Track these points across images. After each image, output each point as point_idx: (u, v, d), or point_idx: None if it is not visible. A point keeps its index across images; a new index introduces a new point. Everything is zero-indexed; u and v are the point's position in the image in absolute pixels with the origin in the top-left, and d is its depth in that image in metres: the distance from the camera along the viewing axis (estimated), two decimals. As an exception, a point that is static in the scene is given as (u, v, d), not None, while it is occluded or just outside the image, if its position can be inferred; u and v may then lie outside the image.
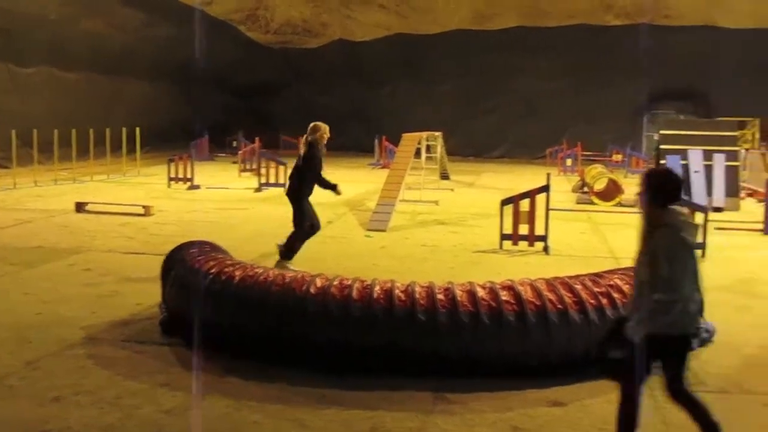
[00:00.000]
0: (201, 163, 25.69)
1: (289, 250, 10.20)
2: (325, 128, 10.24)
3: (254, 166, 23.85)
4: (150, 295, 8.37)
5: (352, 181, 22.27)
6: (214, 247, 8.04)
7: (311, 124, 10.21)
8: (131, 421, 5.36)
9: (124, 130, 23.85)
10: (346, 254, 11.56)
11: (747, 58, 32.34)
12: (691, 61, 32.34)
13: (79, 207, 15.66)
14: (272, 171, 20.53)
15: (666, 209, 4.62)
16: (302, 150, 10.33)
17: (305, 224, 10.17)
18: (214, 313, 6.66)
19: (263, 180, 20.55)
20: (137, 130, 24.22)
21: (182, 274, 7.25)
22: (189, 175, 20.72)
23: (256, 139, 25.37)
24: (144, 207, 15.40)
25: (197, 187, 20.45)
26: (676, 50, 32.81)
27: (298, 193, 10.16)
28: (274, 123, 36.57)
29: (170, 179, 20.70)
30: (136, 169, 24.34)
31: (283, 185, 19.62)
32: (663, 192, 4.65)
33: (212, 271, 6.99)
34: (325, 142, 10.32)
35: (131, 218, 14.77)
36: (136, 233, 13.11)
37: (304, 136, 10.26)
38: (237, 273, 6.87)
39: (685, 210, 4.88)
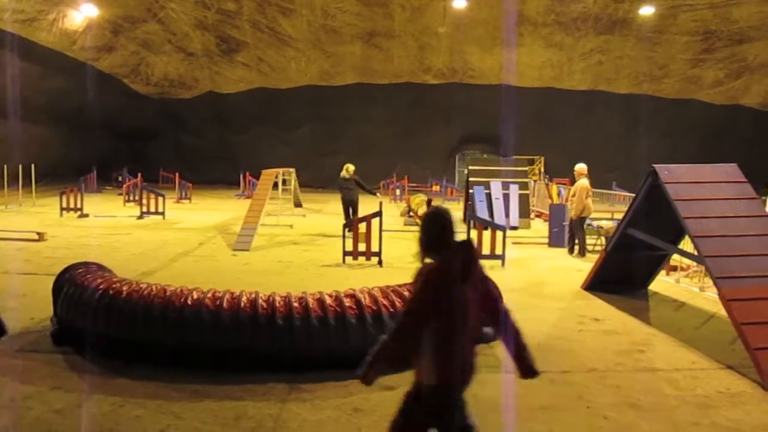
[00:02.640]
0: (90, 195, 24.61)
1: None
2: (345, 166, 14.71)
3: (137, 198, 22.98)
4: (43, 310, 7.96)
5: (220, 210, 21.88)
6: (100, 267, 7.71)
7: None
8: (24, 421, 5.08)
9: (20, 166, 22.68)
10: (216, 270, 11.27)
11: (533, 109, 33.55)
12: (491, 111, 33.19)
13: (-22, 234, 14.59)
14: (152, 201, 19.81)
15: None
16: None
17: None
18: (104, 324, 6.42)
19: (144, 209, 19.80)
20: (32, 166, 22.94)
21: (73, 290, 6.91)
22: (79, 205, 19.70)
23: (139, 174, 24.66)
24: (38, 233, 14.51)
25: (86, 215, 19.46)
26: (479, 103, 33.76)
27: None
28: (153, 161, 35.45)
29: (62, 209, 19.62)
30: (31, 201, 22.96)
31: (162, 213, 19.26)
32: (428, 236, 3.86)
33: (101, 287, 6.71)
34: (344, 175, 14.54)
35: (27, 243, 13.86)
36: (31, 256, 12.33)
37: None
38: (124, 288, 6.62)
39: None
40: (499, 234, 12.17)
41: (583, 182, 13.42)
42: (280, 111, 36.01)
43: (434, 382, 3.68)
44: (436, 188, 31.28)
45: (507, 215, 18.26)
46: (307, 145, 35.91)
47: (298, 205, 22.93)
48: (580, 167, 13.80)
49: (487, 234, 12.55)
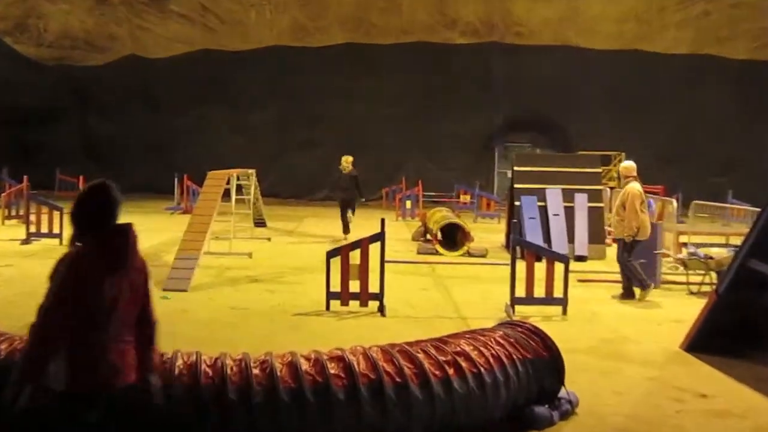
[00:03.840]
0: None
1: None
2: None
3: (21, 212, 22.77)
4: None
5: (145, 230, 21.73)
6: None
7: None
8: None
9: None
10: (139, 320, 11.23)
11: (608, 82, 33.79)
12: (546, 86, 33.58)
13: None
14: (44, 218, 19.57)
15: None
16: None
17: None
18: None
19: (33, 229, 19.61)
20: None
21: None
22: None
23: (24, 177, 23.93)
24: None
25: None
26: (531, 74, 34.03)
27: None
28: (48, 157, 35.34)
29: None
30: None
31: (58, 236, 18.77)
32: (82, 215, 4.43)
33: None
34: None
35: None
36: None
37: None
38: (2, 347, 6.48)
39: None
40: (558, 267, 12.13)
41: (634, 187, 13.71)
42: (234, 84, 36.23)
43: (64, 388, 4.21)
44: (464, 199, 31.59)
45: (571, 239, 18.37)
46: (272, 134, 36.25)
47: (260, 223, 23.27)
48: (628, 166, 14.16)
49: (540, 267, 12.41)
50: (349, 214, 20.73)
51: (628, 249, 13.69)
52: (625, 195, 13.68)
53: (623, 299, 13.63)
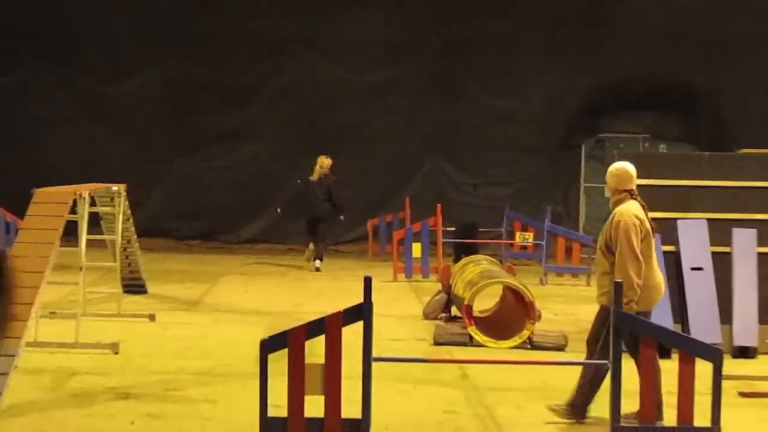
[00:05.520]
0: None
1: None
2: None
3: None
4: None
5: None
6: None
7: None
8: None
9: None
10: None
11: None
12: (684, 29, 34.20)
13: None
14: None
15: None
16: None
17: None
18: None
19: None
20: None
21: None
22: None
23: None
24: None
25: None
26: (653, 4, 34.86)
27: None
28: None
29: None
30: None
31: None
32: None
33: None
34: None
35: None
36: None
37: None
38: None
39: None
40: (703, 369, 11.71)
41: (628, 209, 13.78)
42: (83, 37, 36.77)
43: None
44: (526, 237, 31.86)
45: (726, 317, 18.45)
46: (152, 119, 36.90)
47: (134, 287, 23.88)
48: (621, 171, 14.17)
49: (668, 369, 12.63)
50: (312, 247, 21.72)
51: (621, 323, 13.58)
52: (613, 225, 13.75)
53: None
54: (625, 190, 13.79)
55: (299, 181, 23.16)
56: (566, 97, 35.88)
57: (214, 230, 36.14)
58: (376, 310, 11.77)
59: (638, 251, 13.30)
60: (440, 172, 36.00)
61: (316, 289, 20.69)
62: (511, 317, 19.46)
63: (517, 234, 31.74)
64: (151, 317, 21.06)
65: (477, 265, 21.22)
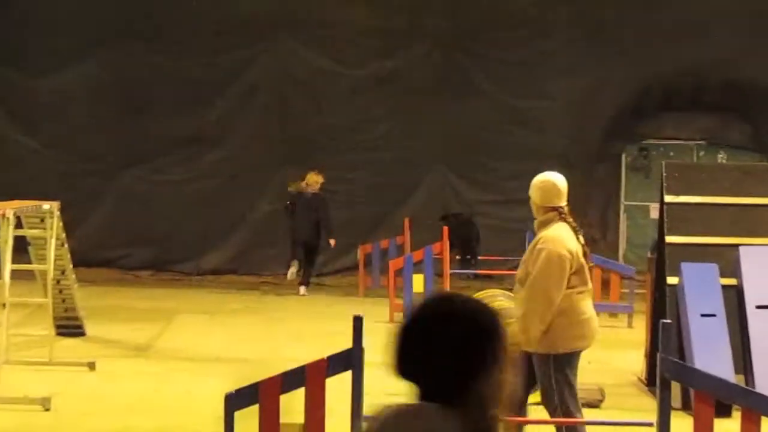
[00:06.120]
0: None
1: None
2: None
3: None
4: None
5: None
6: None
7: None
8: None
9: None
10: None
11: None
12: (743, 11, 34.42)
13: None
14: None
15: None
16: None
17: None
18: None
19: None
20: None
21: None
22: None
23: None
24: None
25: None
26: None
27: None
28: None
29: None
30: None
31: None
32: None
33: None
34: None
35: None
36: None
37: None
38: None
39: None
40: None
41: (556, 236, 14.12)
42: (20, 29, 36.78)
43: None
44: None
45: None
46: (91, 121, 37.07)
47: (70, 327, 23.59)
48: (545, 184, 14.48)
49: (729, 427, 13.06)
50: (294, 268, 21.67)
51: (559, 367, 14.11)
52: (534, 254, 14.05)
53: None
54: (553, 208, 14.09)
55: (288, 204, 24.09)
56: (601, 95, 35.82)
57: (168, 259, 36.16)
58: (369, 357, 12.10)
59: (553, 294, 13.73)
60: (447, 187, 36.05)
61: (295, 330, 20.54)
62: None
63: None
64: (91, 366, 20.91)
65: (493, 302, 20.84)
